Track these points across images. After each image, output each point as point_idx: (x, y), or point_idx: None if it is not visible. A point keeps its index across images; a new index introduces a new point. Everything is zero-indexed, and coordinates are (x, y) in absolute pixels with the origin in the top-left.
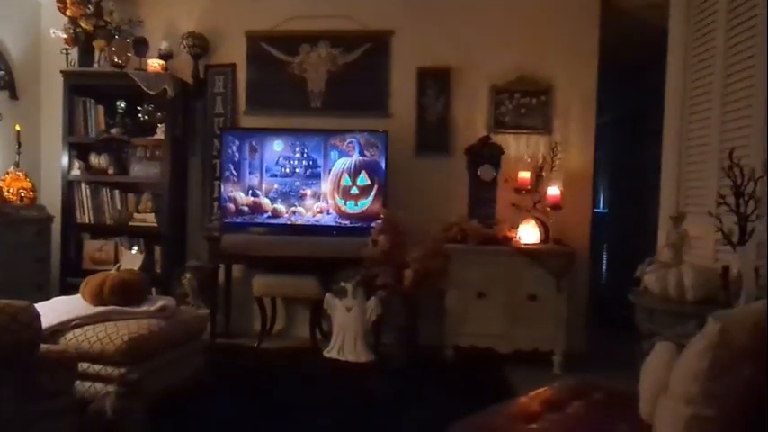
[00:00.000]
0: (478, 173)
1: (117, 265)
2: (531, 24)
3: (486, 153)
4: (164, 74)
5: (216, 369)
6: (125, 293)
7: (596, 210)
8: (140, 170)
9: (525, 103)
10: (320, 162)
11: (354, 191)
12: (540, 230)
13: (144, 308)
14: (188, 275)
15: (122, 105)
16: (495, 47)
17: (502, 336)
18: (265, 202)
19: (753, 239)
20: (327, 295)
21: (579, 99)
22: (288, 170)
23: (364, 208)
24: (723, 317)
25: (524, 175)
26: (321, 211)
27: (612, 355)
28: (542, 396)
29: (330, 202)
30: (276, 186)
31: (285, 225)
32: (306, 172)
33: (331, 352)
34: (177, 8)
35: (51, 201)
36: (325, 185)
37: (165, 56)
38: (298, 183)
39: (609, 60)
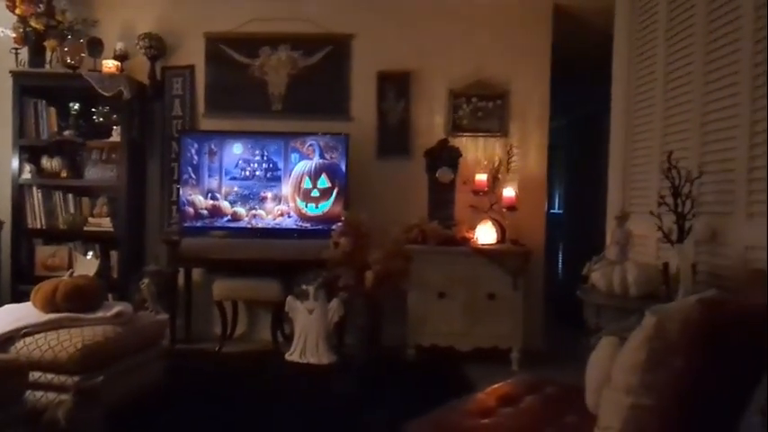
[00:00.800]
0: (437, 175)
1: (69, 271)
2: (487, 30)
3: (445, 156)
4: (119, 75)
5: (176, 375)
6: (79, 300)
7: (553, 211)
8: (95, 173)
9: (482, 106)
10: (281, 165)
11: (315, 193)
12: (497, 231)
13: (99, 314)
14: (146, 280)
15: (76, 107)
16: (453, 51)
17: (462, 334)
18: (225, 205)
19: (690, 237)
20: (289, 298)
21: (533, 103)
22: (248, 173)
23: (325, 210)
24: (659, 311)
25: (481, 177)
26: (282, 214)
27: (568, 350)
28: (497, 392)
29: (291, 204)
30: (236, 189)
31: (245, 228)
32: (266, 175)
33: (293, 355)
34: (133, 9)
35: (1, 206)
36: (286, 188)
37: (121, 57)
38: (258, 186)
39: (564, 65)
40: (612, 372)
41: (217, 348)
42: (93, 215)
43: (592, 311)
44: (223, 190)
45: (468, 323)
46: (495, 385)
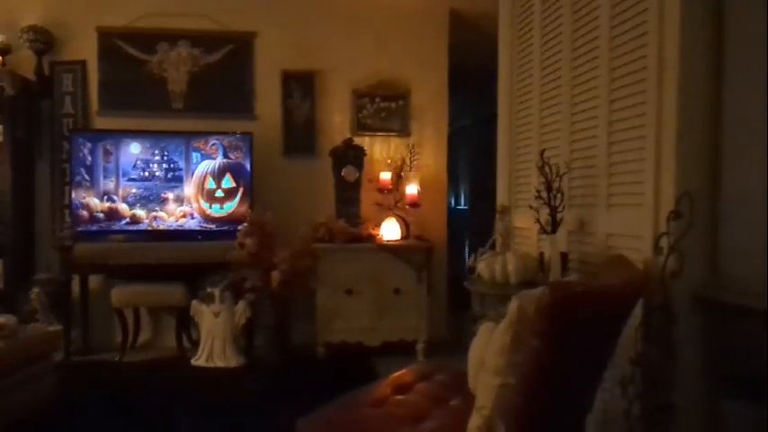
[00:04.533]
0: (343, 174)
1: None
2: (388, 32)
3: (350, 155)
4: (1, 70)
5: (73, 389)
6: None
7: (458, 206)
8: None
9: (385, 106)
10: (182, 165)
11: (219, 194)
12: (401, 227)
13: None
14: (36, 290)
15: None
16: (357, 52)
17: (370, 329)
18: (123, 207)
19: (562, 228)
20: (194, 302)
21: (433, 103)
22: (147, 174)
23: (230, 211)
24: (522, 296)
25: (385, 175)
26: (184, 216)
27: (471, 338)
28: (391, 382)
29: (194, 205)
30: (134, 191)
31: (146, 231)
32: (167, 175)
33: (199, 360)
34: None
35: None
36: (189, 189)
37: (3, 51)
38: (158, 187)
39: (466, 67)
40: (486, 355)
41: (117, 358)
42: None
43: (477, 300)
44: (120, 192)
45: (376, 318)
46: (389, 376)
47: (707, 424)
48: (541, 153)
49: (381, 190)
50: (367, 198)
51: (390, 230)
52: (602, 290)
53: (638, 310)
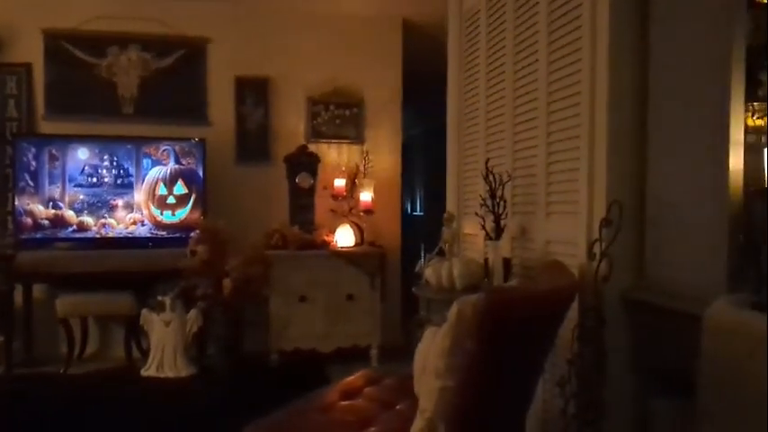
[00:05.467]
0: (297, 181)
1: None
2: (343, 40)
3: (304, 161)
4: None
5: (15, 402)
6: None
7: (414, 213)
8: None
9: (339, 114)
10: (132, 171)
11: (171, 200)
12: (355, 234)
13: None
14: None
15: None
16: (311, 60)
17: (324, 336)
18: (69, 214)
19: (506, 234)
20: (144, 311)
21: (387, 111)
22: (95, 180)
23: (182, 217)
24: (461, 301)
25: (340, 182)
26: (135, 223)
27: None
28: (339, 387)
29: (144, 212)
30: (82, 197)
31: (93, 239)
32: (116, 181)
33: (149, 370)
34: None
35: None
36: (139, 195)
37: None
38: (107, 193)
39: (421, 76)
40: (427, 359)
41: (63, 370)
42: None
43: (425, 305)
44: (67, 198)
45: (329, 324)
46: (338, 382)
47: (636, 420)
48: (486, 162)
49: (336, 197)
50: (321, 205)
51: (344, 237)
52: (535, 294)
53: (574, 313)
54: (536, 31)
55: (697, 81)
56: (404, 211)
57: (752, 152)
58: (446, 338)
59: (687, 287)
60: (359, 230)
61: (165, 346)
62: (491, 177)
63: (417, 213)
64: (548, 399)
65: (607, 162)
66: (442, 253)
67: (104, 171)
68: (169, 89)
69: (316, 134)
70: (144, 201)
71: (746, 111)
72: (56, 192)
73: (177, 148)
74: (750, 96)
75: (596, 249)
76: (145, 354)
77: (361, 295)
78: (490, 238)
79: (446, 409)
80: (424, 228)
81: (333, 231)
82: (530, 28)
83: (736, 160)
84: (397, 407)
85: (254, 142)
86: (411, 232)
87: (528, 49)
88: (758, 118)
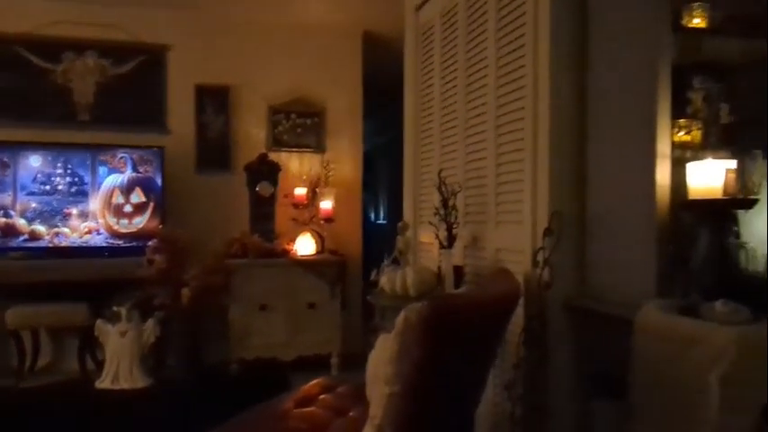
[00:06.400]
0: (257, 189)
1: None
2: (304, 50)
3: (265, 170)
4: None
5: None
6: None
7: (378, 221)
8: None
9: (301, 123)
10: (87, 179)
11: (128, 209)
12: (316, 242)
13: None
14: None
15: None
16: (272, 68)
17: (285, 344)
18: (21, 223)
19: (459, 242)
20: (98, 321)
21: (348, 120)
22: (48, 188)
23: (140, 226)
24: (408, 308)
25: (300, 190)
26: (90, 231)
27: None
28: (294, 395)
29: (100, 221)
30: (34, 206)
31: (46, 248)
32: (70, 189)
33: (104, 382)
34: None
35: None
36: (94, 203)
37: None
38: (61, 201)
39: (385, 85)
40: (378, 365)
41: (14, 384)
42: None
43: (379, 313)
44: (18, 206)
45: (290, 333)
46: (293, 390)
47: (577, 422)
48: (439, 173)
49: (297, 205)
50: (282, 213)
51: (305, 245)
52: (478, 300)
53: (521, 318)
54: (485, 48)
55: (629, 100)
56: (367, 219)
57: (678, 166)
58: (394, 345)
59: (623, 293)
60: (320, 239)
61: (121, 358)
62: (443, 187)
63: (381, 221)
64: (498, 402)
65: (549, 175)
66: (397, 261)
67: (58, 179)
68: (127, 96)
69: (277, 143)
70: (100, 209)
71: (673, 127)
72: (6, 200)
73: (135, 155)
74: (679, 113)
75: (540, 257)
76: (100, 365)
77: (321, 303)
78: (443, 247)
79: (394, 416)
80: (387, 236)
81: (294, 240)
82: (480, 44)
83: (663, 174)
84: (351, 414)
85: (214, 150)
86: (375, 240)
87: (478, 64)
88: (684, 134)
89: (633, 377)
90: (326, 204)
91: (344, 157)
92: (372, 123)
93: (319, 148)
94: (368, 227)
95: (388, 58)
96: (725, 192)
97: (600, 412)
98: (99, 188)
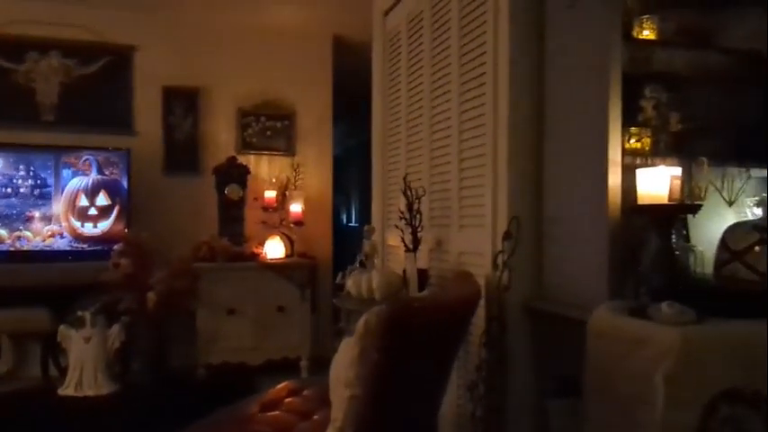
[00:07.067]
0: (226, 192)
1: None
2: (274, 52)
3: (234, 173)
4: None
5: None
6: None
7: (350, 224)
8: None
9: (270, 126)
10: (50, 181)
11: (93, 212)
12: (285, 245)
13: None
14: None
15: None
16: (242, 71)
17: (253, 348)
18: None
19: (424, 246)
20: (61, 327)
21: (318, 124)
22: (10, 190)
23: (105, 229)
24: (369, 311)
25: (270, 194)
26: (53, 235)
27: None
28: (260, 399)
29: (64, 224)
30: None
31: (7, 252)
32: (33, 192)
33: (67, 389)
34: None
35: None
36: (58, 206)
37: None
38: (23, 204)
39: (358, 89)
40: (339, 369)
41: None
42: None
43: (345, 316)
44: None
45: (259, 337)
46: (259, 394)
47: (535, 421)
48: (404, 177)
49: (266, 208)
50: (252, 217)
51: (275, 249)
52: (437, 303)
53: (483, 320)
54: (449, 55)
55: (583, 109)
56: (339, 222)
57: (630, 172)
58: (354, 348)
59: (578, 295)
60: (289, 242)
61: (85, 364)
62: (409, 191)
63: (353, 224)
64: (461, 403)
65: (508, 180)
66: (364, 264)
67: (20, 181)
68: (93, 97)
69: (246, 146)
70: (63, 212)
71: (625, 135)
72: None
73: (100, 157)
74: (631, 122)
75: (499, 261)
76: (63, 372)
77: (291, 307)
78: (408, 250)
79: (355, 419)
80: (359, 238)
81: (263, 243)
82: (444, 51)
83: (615, 180)
84: (315, 417)
85: (182, 153)
86: (346, 243)
87: (443, 70)
88: (635, 141)
89: (586, 377)
90: (296, 207)
91: (315, 160)
92: (344, 126)
93: (289, 151)
94: (340, 230)
95: (359, 61)
96: (670, 197)
97: (555, 412)
98: (63, 191)
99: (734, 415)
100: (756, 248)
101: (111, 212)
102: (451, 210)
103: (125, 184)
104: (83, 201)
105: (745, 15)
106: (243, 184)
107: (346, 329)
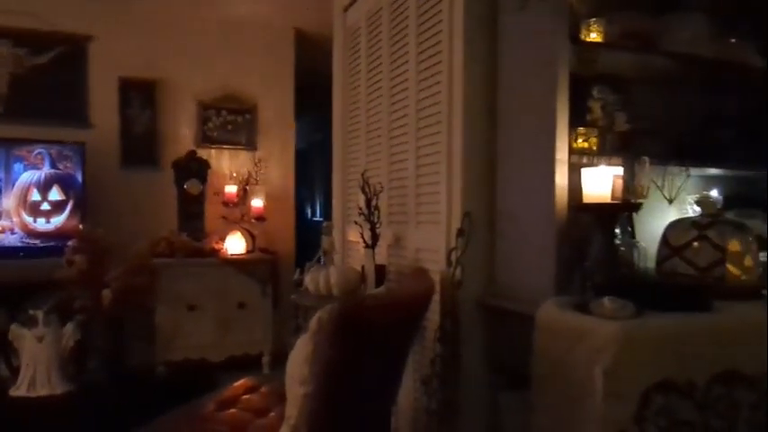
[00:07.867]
0: (186, 187)
1: None
2: (235, 45)
3: (193, 167)
4: None
5: None
6: None
7: (314, 218)
8: None
9: (231, 119)
10: (1, 175)
11: (45, 207)
12: (246, 241)
13: None
14: None
15: None
16: (202, 64)
17: (214, 345)
18: None
19: (382, 242)
20: (13, 326)
21: (280, 118)
22: None
23: (58, 225)
24: (323, 308)
25: (231, 189)
26: (3, 231)
27: None
28: (217, 397)
29: (15, 219)
30: None
31: None
32: None
33: (19, 389)
34: None
35: None
36: (8, 201)
37: None
38: None
39: (318, 83)
40: (294, 366)
41: None
42: None
43: (303, 313)
44: None
45: (220, 333)
46: (216, 391)
47: (487, 415)
48: (363, 173)
49: (227, 203)
50: (212, 212)
51: (235, 244)
52: (391, 300)
53: (438, 315)
54: (407, 52)
55: (533, 108)
56: (303, 216)
57: (577, 171)
58: (308, 346)
59: (527, 291)
60: (251, 237)
61: (38, 363)
62: (367, 188)
63: (317, 219)
64: (417, 397)
65: (462, 178)
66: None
67: None
68: (45, 88)
69: (206, 139)
70: (14, 207)
71: (573, 134)
72: None
73: (53, 151)
74: (579, 122)
75: (453, 257)
76: (15, 372)
77: (252, 303)
78: (367, 246)
79: (308, 415)
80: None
81: (223, 239)
82: (401, 48)
83: (562, 178)
84: (272, 414)
85: (140, 146)
86: (310, 238)
87: (401, 68)
88: (583, 141)
89: (533, 370)
90: (258, 203)
91: (277, 154)
92: (308, 121)
93: (251, 145)
94: (304, 224)
95: (321, 56)
96: (613, 196)
97: (505, 405)
98: (13, 185)
99: (668, 405)
100: (695, 244)
101: (65, 208)
102: (409, 206)
103: (80, 178)
104: (35, 195)
105: (687, 19)
106: (203, 178)
107: (303, 326)
